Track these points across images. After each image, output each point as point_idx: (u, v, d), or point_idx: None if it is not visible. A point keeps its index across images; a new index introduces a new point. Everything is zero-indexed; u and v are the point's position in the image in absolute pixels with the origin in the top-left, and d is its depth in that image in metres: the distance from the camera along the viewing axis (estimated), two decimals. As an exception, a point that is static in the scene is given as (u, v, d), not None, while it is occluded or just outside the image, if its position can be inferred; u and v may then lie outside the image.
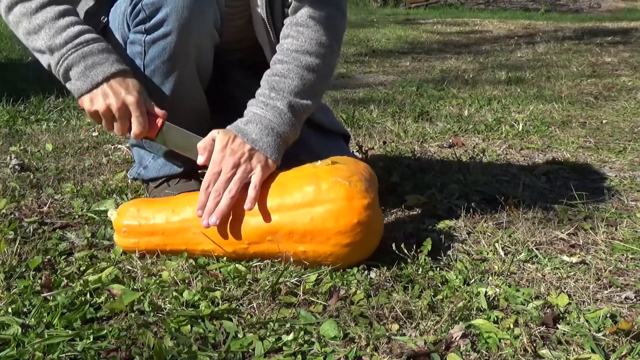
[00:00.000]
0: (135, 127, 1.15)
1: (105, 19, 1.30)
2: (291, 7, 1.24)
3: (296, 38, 1.21)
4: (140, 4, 1.18)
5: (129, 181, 1.56)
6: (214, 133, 1.15)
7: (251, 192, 1.09)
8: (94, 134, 2.19)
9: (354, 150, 1.87)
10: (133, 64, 1.23)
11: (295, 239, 1.07)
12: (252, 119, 1.16)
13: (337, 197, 1.05)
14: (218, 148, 1.12)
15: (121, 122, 1.15)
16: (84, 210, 1.39)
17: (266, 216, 1.08)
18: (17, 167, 1.69)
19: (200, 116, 1.35)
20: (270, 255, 1.11)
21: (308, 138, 1.40)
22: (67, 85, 1.15)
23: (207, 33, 1.24)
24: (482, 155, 1.91)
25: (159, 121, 1.17)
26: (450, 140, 2.11)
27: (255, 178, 1.11)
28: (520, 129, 2.27)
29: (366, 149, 1.88)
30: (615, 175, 1.74)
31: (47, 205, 1.42)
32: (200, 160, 1.15)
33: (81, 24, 1.15)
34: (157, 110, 1.17)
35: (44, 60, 1.16)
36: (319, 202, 1.06)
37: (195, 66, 1.26)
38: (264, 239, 1.09)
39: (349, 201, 1.05)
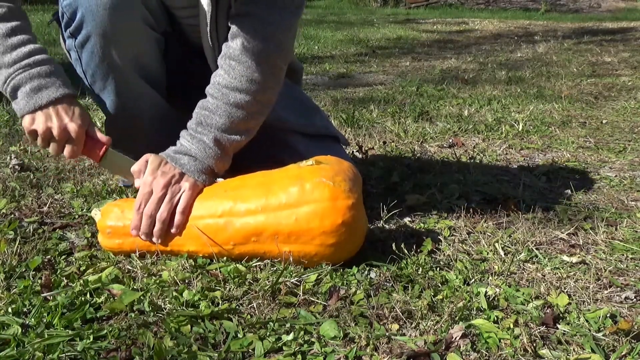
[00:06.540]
0: (67, 153, 1.16)
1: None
2: (230, 31, 1.19)
3: (227, 72, 1.18)
4: (61, 6, 1.15)
5: (129, 181, 1.56)
6: (147, 156, 1.17)
7: (178, 217, 1.12)
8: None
9: (354, 150, 1.87)
10: (77, 71, 1.22)
11: (280, 240, 1.07)
12: (179, 150, 1.18)
13: (321, 198, 1.05)
14: (150, 170, 1.14)
15: (58, 145, 1.15)
16: (84, 210, 1.39)
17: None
18: (17, 167, 1.69)
19: (159, 114, 1.33)
20: (255, 256, 1.11)
21: (296, 144, 1.39)
22: (13, 103, 1.14)
23: (136, 31, 1.20)
24: (482, 155, 1.91)
25: (103, 148, 1.19)
26: (450, 140, 2.11)
27: (183, 201, 1.12)
28: (520, 129, 2.27)
29: (366, 149, 1.88)
30: (615, 175, 1.74)
31: (47, 205, 1.42)
32: (136, 183, 1.17)
33: (32, 43, 1.13)
34: (102, 136, 1.18)
35: None
36: (304, 202, 1.06)
37: (134, 65, 1.22)
38: (249, 240, 1.09)
39: (333, 201, 1.05)
